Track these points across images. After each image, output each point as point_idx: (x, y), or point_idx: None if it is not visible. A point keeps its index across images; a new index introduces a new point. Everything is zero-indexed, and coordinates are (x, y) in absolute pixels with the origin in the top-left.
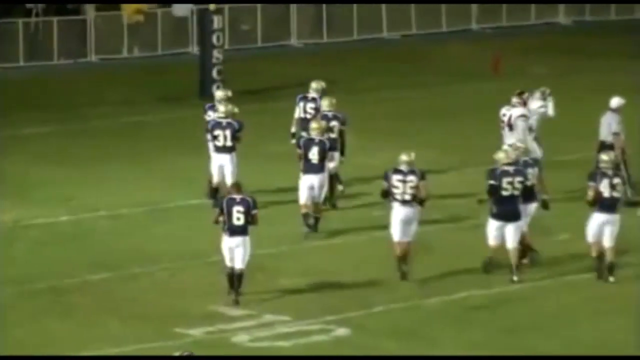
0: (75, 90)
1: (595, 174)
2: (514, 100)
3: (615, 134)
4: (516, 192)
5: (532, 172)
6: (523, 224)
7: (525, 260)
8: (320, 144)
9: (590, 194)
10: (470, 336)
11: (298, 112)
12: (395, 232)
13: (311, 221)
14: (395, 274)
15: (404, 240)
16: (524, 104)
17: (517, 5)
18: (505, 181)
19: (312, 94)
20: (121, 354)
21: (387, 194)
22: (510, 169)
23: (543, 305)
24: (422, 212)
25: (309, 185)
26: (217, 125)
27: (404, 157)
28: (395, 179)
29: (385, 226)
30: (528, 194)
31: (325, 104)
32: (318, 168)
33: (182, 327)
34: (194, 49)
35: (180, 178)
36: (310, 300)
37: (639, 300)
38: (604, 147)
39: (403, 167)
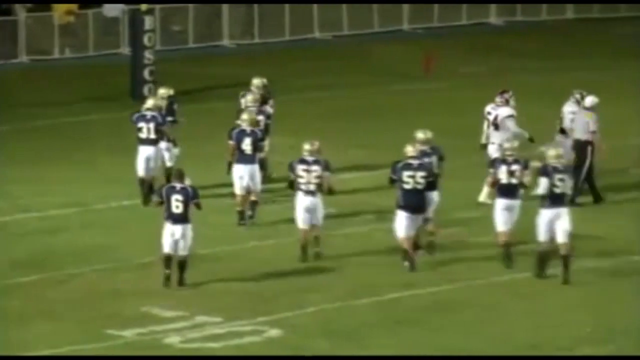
0: (5, 91)
1: (495, 161)
2: (498, 99)
3: (593, 132)
4: (419, 187)
5: (428, 160)
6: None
7: (420, 252)
8: (253, 134)
9: (489, 180)
10: (402, 336)
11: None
12: (300, 219)
13: (245, 217)
14: (329, 275)
15: (308, 228)
16: (507, 102)
17: (449, 6)
18: (405, 175)
19: (254, 90)
20: (53, 355)
21: (292, 185)
22: (414, 162)
23: (474, 304)
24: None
25: (240, 175)
26: (142, 118)
27: (307, 147)
28: (300, 168)
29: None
30: (429, 183)
31: (249, 99)
32: (251, 159)
33: (114, 328)
34: (126, 49)
35: (112, 179)
36: (243, 301)
37: (570, 298)
38: (579, 145)
39: (307, 157)
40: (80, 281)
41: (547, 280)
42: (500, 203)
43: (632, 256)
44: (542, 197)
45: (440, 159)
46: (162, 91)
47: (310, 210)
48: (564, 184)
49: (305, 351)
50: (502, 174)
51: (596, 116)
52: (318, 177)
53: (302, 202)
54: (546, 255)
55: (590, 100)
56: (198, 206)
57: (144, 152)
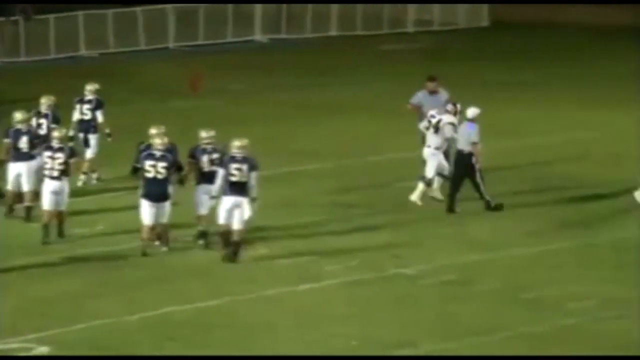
0: None
1: (196, 151)
2: (449, 107)
3: (474, 143)
4: (159, 176)
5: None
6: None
7: (157, 243)
8: (29, 133)
9: (188, 168)
10: (171, 351)
11: (76, 115)
12: (46, 201)
13: (26, 213)
14: (100, 290)
15: (52, 210)
16: (455, 113)
17: (214, 24)
18: (148, 164)
19: (88, 95)
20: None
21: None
22: (158, 153)
23: (243, 318)
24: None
25: (16, 173)
26: None
27: (55, 134)
28: (46, 155)
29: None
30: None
31: (43, 101)
32: (28, 156)
33: None
34: None
35: None
36: (11, 319)
37: (340, 311)
38: (461, 156)
39: (54, 144)
40: None
41: (315, 295)
42: (203, 188)
43: (400, 269)
44: (225, 185)
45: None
46: None
47: (57, 193)
48: (241, 173)
49: None
50: (204, 163)
51: (477, 127)
52: (62, 163)
53: (48, 186)
54: (226, 237)
55: (472, 111)
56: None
57: None
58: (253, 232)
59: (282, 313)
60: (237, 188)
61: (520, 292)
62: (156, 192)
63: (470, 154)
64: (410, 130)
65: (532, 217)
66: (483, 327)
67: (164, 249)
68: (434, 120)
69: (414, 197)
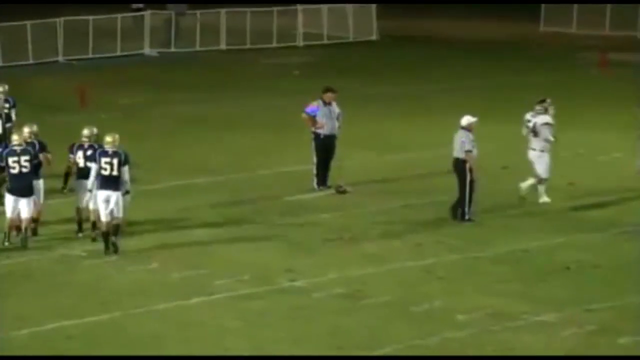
0: None
1: (73, 147)
2: (537, 107)
3: (468, 151)
4: (24, 170)
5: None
6: (36, 198)
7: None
8: None
9: (68, 164)
10: None
11: None
12: None
13: None
14: None
15: None
16: (546, 110)
17: (103, 38)
18: (11, 160)
19: (1, 96)
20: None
21: None
22: (18, 148)
23: (133, 332)
24: None
25: None
26: None
27: None
28: None
29: None
30: (35, 168)
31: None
32: None
33: None
34: None
35: None
36: None
37: (227, 325)
38: (458, 163)
39: None
40: None
41: (205, 309)
42: (81, 183)
43: (292, 282)
44: (97, 179)
45: (42, 150)
46: None
47: None
48: (112, 167)
49: None
50: (80, 159)
51: (471, 135)
52: None
53: None
54: (104, 230)
55: (466, 119)
56: None
57: None
58: (146, 247)
59: (172, 327)
60: (109, 182)
61: (410, 305)
62: (21, 186)
63: (464, 161)
64: (299, 143)
65: (422, 229)
66: (374, 340)
67: (27, 237)
68: (530, 125)
69: (543, 199)
